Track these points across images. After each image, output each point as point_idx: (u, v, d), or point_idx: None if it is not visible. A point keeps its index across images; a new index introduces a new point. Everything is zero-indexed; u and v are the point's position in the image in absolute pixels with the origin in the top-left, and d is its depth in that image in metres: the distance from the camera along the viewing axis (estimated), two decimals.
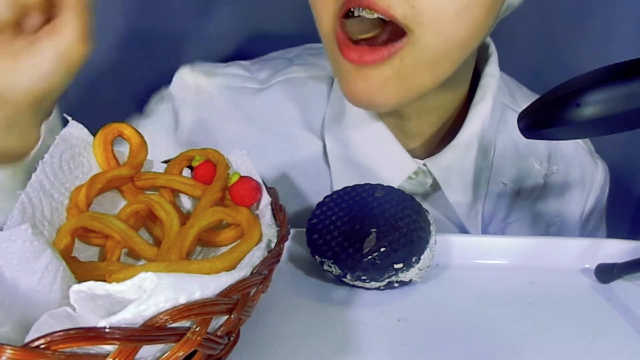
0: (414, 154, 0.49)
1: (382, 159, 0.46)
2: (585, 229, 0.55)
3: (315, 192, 0.41)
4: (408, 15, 0.34)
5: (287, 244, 0.37)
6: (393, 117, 0.47)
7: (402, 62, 0.36)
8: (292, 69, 0.50)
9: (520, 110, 0.50)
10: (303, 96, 0.49)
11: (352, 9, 0.36)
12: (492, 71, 0.48)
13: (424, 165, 0.47)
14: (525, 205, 0.52)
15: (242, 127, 0.48)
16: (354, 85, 0.38)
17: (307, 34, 0.51)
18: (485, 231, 0.50)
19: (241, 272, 0.24)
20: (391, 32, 0.37)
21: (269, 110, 0.49)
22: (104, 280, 0.19)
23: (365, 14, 0.36)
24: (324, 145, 0.48)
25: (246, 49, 0.66)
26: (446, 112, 0.48)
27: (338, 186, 0.42)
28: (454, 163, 0.47)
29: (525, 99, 0.53)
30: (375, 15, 0.35)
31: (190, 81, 0.49)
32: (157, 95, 0.52)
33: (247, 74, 0.50)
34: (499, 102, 0.50)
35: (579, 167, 0.54)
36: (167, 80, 0.67)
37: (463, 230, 0.49)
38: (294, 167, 0.49)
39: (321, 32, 0.40)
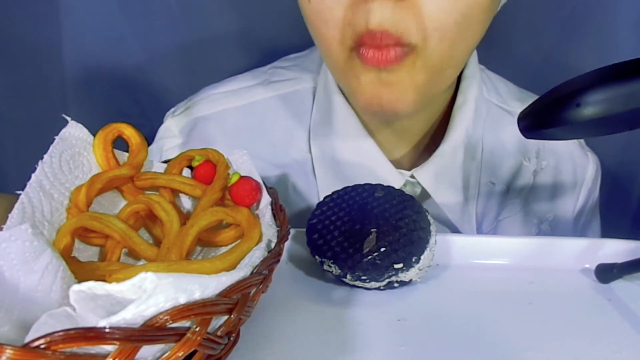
0: (400, 163, 0.49)
1: (368, 174, 0.46)
2: (578, 223, 0.55)
3: (305, 206, 0.41)
4: (413, 32, 0.35)
5: (287, 244, 0.37)
6: (382, 119, 0.46)
7: (414, 66, 0.37)
8: (271, 87, 0.50)
9: (506, 106, 0.52)
10: (287, 112, 0.49)
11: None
12: (472, 72, 0.48)
13: (412, 177, 0.47)
14: (516, 202, 0.52)
15: (229, 144, 0.48)
16: (378, 94, 0.38)
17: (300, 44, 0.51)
18: (478, 231, 0.50)
19: (241, 272, 0.24)
20: None
21: (253, 127, 0.49)
22: (104, 280, 0.19)
23: None
24: (311, 158, 0.49)
25: (238, 59, 0.66)
26: (436, 111, 0.48)
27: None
28: (442, 170, 0.47)
29: (511, 94, 0.53)
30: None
31: (174, 128, 0.50)
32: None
33: (225, 97, 0.50)
34: (483, 100, 0.50)
35: (569, 162, 0.53)
36: (165, 80, 0.67)
37: (458, 232, 0.49)
38: (283, 177, 0.49)
39: (331, 61, 0.41)
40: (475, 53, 0.49)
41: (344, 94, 0.47)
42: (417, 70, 0.37)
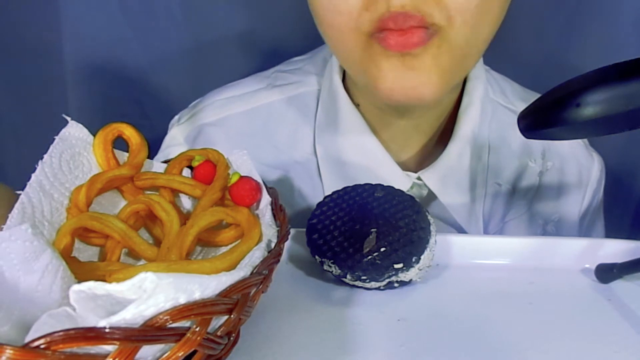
0: (407, 165, 0.49)
1: (374, 176, 0.46)
2: (583, 223, 0.55)
3: (310, 209, 0.41)
4: (435, 14, 0.34)
5: (287, 244, 0.37)
6: (394, 117, 0.46)
7: (439, 50, 0.36)
8: (275, 91, 0.50)
9: (512, 106, 0.52)
10: (291, 115, 0.49)
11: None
12: (477, 73, 0.48)
13: (418, 179, 0.47)
14: (522, 204, 0.52)
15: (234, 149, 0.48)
16: (402, 79, 0.37)
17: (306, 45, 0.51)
18: (484, 233, 0.50)
19: (241, 272, 0.24)
20: None
21: (258, 131, 0.49)
22: (104, 280, 0.19)
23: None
24: (317, 162, 0.49)
25: (240, 61, 0.66)
26: (442, 111, 0.48)
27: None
28: (448, 172, 0.47)
29: (516, 95, 0.53)
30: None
31: (179, 136, 0.50)
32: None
33: (229, 102, 0.50)
34: (489, 101, 0.50)
35: (574, 163, 0.53)
36: (166, 80, 0.68)
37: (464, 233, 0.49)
38: (288, 180, 0.49)
39: (344, 53, 0.39)
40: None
41: (349, 95, 0.47)
42: (443, 54, 0.36)
